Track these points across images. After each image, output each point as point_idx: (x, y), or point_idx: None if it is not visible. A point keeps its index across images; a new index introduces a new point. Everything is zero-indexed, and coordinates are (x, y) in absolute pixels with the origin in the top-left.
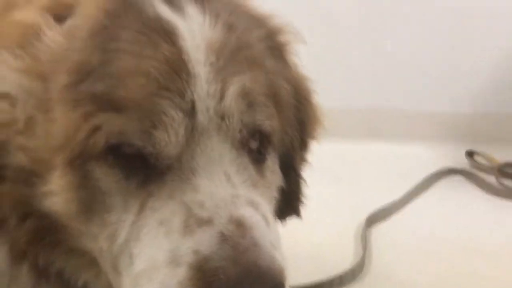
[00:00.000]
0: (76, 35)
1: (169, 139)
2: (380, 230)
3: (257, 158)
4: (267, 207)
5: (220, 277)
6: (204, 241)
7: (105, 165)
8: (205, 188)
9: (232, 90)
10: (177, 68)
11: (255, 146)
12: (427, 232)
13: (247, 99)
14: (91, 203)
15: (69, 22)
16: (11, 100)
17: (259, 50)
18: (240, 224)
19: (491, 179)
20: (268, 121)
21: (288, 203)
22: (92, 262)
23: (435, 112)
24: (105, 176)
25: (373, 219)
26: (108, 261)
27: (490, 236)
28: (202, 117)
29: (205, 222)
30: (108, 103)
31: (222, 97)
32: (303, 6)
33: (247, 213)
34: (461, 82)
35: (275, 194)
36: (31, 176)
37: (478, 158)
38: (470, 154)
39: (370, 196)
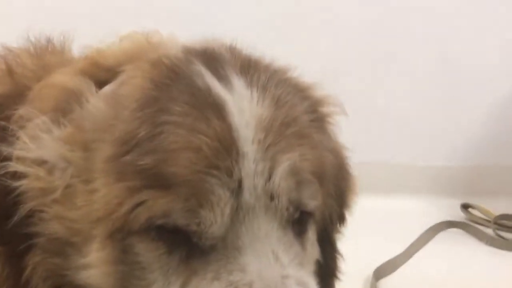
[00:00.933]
0: (123, 105)
1: (214, 219)
2: (387, 284)
3: (299, 230)
4: (315, 286)
5: None
6: None
7: (147, 240)
8: (253, 267)
9: (282, 168)
10: (227, 146)
11: (297, 216)
12: (432, 283)
13: (296, 178)
14: (130, 278)
15: (109, 88)
16: (48, 167)
17: (305, 125)
18: None
19: (488, 230)
20: (313, 200)
21: (323, 279)
22: None
23: (428, 166)
24: (146, 251)
25: (381, 273)
26: None
27: (490, 284)
28: (248, 196)
29: None
30: (154, 179)
31: (270, 176)
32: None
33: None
34: (453, 135)
35: (312, 267)
36: (66, 247)
37: (473, 211)
38: (465, 207)
39: (373, 250)
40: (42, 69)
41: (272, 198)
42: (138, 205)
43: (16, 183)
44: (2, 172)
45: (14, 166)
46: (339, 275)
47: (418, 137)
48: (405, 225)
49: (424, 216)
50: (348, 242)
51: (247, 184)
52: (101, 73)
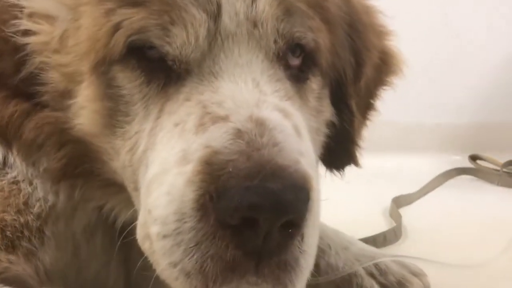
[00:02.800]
0: None
1: (187, 39)
2: (404, 213)
3: (297, 76)
4: (303, 122)
5: (229, 170)
6: (216, 136)
7: (127, 69)
8: (226, 90)
9: None
10: None
11: (295, 63)
12: (447, 215)
13: (284, 4)
14: (115, 114)
15: None
16: (51, 20)
17: None
18: (260, 124)
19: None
20: (311, 33)
21: (342, 145)
22: (130, 199)
23: (436, 123)
24: (127, 82)
25: (398, 203)
26: (130, 180)
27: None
28: (228, 21)
29: (221, 119)
30: None
31: (254, 1)
32: None
33: (272, 115)
34: (459, 93)
35: (322, 127)
36: (65, 99)
37: (481, 162)
38: (473, 158)
39: (388, 192)
40: None
41: (255, 25)
42: (116, 29)
43: (26, 40)
44: (14, 29)
45: (25, 24)
46: (360, 142)
47: (425, 96)
48: (416, 178)
49: (435, 171)
50: (362, 186)
51: (227, 8)
52: None
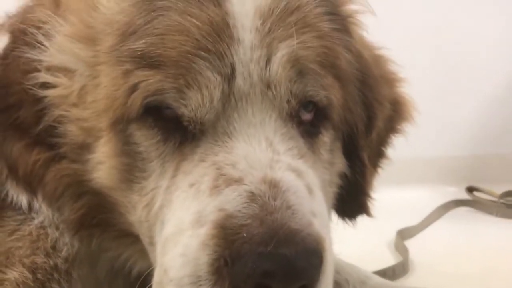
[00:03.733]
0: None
1: (202, 101)
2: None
3: (309, 131)
4: (315, 179)
5: (243, 235)
6: (230, 199)
7: (144, 127)
8: (240, 150)
9: (280, 55)
10: (219, 31)
11: (307, 118)
12: (448, 246)
13: (297, 66)
14: (131, 169)
15: None
16: (69, 74)
17: (313, 14)
18: (274, 185)
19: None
20: (323, 91)
21: (353, 196)
22: (145, 250)
23: (433, 157)
24: (145, 139)
25: (402, 236)
26: (146, 235)
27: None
28: (241, 83)
29: (235, 181)
30: (146, 61)
31: (268, 63)
32: None
33: (285, 176)
34: (454, 127)
35: (335, 178)
36: (83, 151)
37: (478, 194)
38: (470, 190)
39: (389, 228)
40: None
41: (268, 86)
42: (133, 90)
43: (44, 93)
44: (34, 82)
45: (44, 77)
46: (371, 193)
47: (421, 131)
48: (416, 210)
49: (433, 203)
50: (364, 220)
51: (241, 70)
52: None
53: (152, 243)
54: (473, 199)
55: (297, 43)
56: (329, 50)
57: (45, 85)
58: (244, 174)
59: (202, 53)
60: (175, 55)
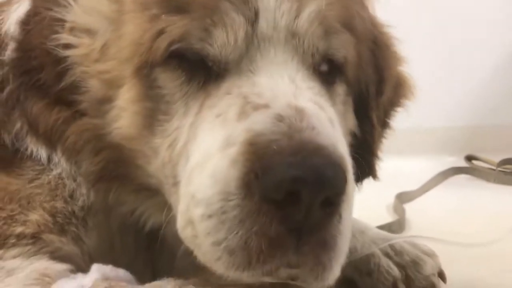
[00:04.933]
0: None
1: (227, 40)
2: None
3: (326, 80)
4: (336, 116)
5: (273, 148)
6: (258, 120)
7: (168, 69)
8: (265, 83)
9: (308, 11)
10: None
11: (324, 69)
12: (447, 211)
13: (323, 24)
14: (154, 113)
15: None
16: (91, 34)
17: None
18: (299, 110)
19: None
20: (343, 49)
21: (362, 156)
22: (161, 205)
23: (432, 127)
24: (169, 81)
25: (400, 199)
26: (170, 176)
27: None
28: (265, 26)
29: (262, 106)
30: (172, 5)
31: (297, 16)
32: None
33: (309, 105)
34: (453, 98)
35: (346, 133)
36: (104, 105)
37: (476, 162)
38: (469, 159)
39: (389, 192)
40: None
41: (293, 36)
42: (159, 34)
43: (66, 53)
44: (56, 43)
45: (66, 38)
46: (380, 155)
47: (421, 102)
48: (415, 178)
49: (432, 171)
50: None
51: (264, 15)
52: None
53: (175, 183)
54: (472, 167)
55: (324, 3)
56: (348, 9)
57: (67, 46)
58: (270, 101)
59: None
60: None
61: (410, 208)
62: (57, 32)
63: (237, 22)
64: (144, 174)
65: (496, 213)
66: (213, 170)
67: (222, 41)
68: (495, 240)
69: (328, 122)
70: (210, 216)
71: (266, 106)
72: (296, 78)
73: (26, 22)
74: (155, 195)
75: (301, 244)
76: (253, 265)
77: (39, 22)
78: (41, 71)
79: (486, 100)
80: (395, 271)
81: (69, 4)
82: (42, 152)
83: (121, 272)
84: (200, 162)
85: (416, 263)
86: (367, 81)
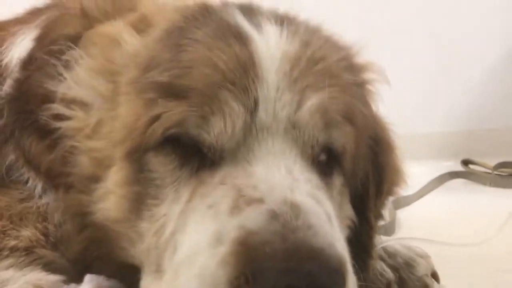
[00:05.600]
0: (150, 36)
1: (225, 128)
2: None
3: (324, 171)
4: (333, 211)
5: (265, 251)
6: (251, 217)
7: (161, 154)
8: (260, 175)
9: (310, 104)
10: (245, 67)
11: (323, 158)
12: (442, 215)
13: (325, 117)
14: (142, 198)
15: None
16: (86, 108)
17: (336, 66)
18: (295, 206)
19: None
20: (343, 139)
21: (356, 255)
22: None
23: (427, 133)
24: (161, 166)
25: (396, 204)
26: (153, 263)
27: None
28: (264, 116)
29: (256, 201)
30: (170, 91)
31: (298, 108)
32: None
33: (305, 200)
34: (448, 104)
35: (344, 225)
36: (91, 183)
37: (472, 167)
38: (465, 163)
39: None
40: (115, 11)
41: (294, 127)
42: (155, 120)
43: (58, 124)
44: (47, 113)
45: (57, 108)
46: (373, 256)
47: (416, 107)
48: (411, 183)
49: (428, 177)
50: None
51: (264, 105)
52: (143, 24)
53: (159, 271)
54: (468, 171)
55: (325, 96)
56: (349, 105)
57: (59, 117)
58: (265, 195)
59: (228, 85)
60: (202, 85)
61: (405, 212)
62: (50, 101)
63: (236, 111)
64: (127, 255)
65: (491, 215)
66: (200, 270)
67: (220, 130)
68: (484, 241)
69: (325, 218)
70: None
71: (260, 200)
72: (294, 169)
73: (28, 63)
74: (137, 273)
75: None
76: None
77: (38, 71)
78: (39, 115)
79: (481, 104)
80: (389, 273)
81: (63, 77)
82: (38, 184)
83: (114, 283)
84: (188, 256)
85: (409, 265)
86: (364, 178)
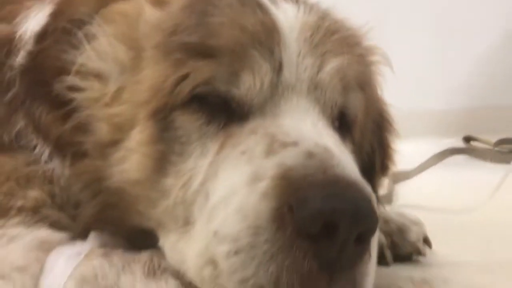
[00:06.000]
0: (173, 6)
1: (254, 84)
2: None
3: (339, 134)
4: (354, 163)
5: (307, 182)
6: (289, 156)
7: (188, 112)
8: (290, 125)
9: (330, 67)
10: (270, 31)
11: (336, 125)
12: (441, 190)
13: (344, 81)
14: (166, 156)
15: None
16: (103, 79)
17: (351, 38)
18: (328, 149)
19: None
20: (356, 106)
21: None
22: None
23: (429, 110)
24: (187, 123)
25: (395, 179)
26: (180, 217)
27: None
28: (288, 76)
29: (291, 144)
30: (199, 51)
31: (320, 70)
32: None
33: (334, 147)
34: (451, 81)
35: None
36: (109, 149)
37: (474, 143)
38: (467, 140)
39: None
40: None
41: (316, 87)
42: (182, 79)
43: (72, 95)
44: (62, 85)
45: (73, 80)
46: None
47: (418, 84)
48: (412, 159)
49: (430, 153)
50: None
51: (288, 66)
52: (166, 2)
53: (187, 224)
54: (469, 147)
55: (344, 61)
56: (363, 72)
57: (74, 88)
58: (298, 139)
59: (256, 45)
60: (231, 45)
61: (405, 185)
62: (67, 72)
63: (264, 69)
64: (142, 219)
65: (486, 186)
66: (240, 205)
67: (249, 85)
68: (474, 208)
69: (352, 165)
70: (237, 252)
71: (295, 144)
72: (318, 124)
73: (42, 37)
74: (147, 238)
75: (333, 282)
76: None
77: (54, 44)
78: (51, 86)
79: (484, 82)
80: (382, 238)
81: (83, 47)
82: (45, 151)
83: (118, 241)
84: (224, 197)
85: (402, 230)
86: (371, 153)
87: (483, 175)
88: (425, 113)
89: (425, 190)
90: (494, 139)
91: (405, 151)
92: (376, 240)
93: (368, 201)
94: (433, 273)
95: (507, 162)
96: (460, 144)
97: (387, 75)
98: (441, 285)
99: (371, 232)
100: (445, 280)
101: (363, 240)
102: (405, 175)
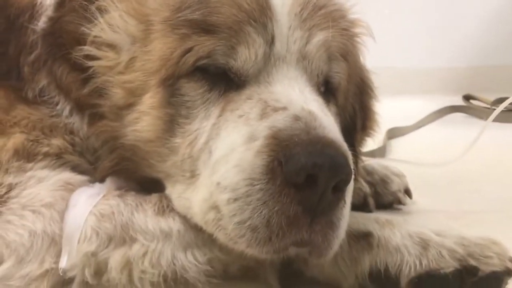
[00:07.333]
0: None
1: (249, 56)
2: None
3: (323, 99)
4: (336, 123)
5: (294, 140)
6: (279, 119)
7: (192, 80)
8: (280, 91)
9: (317, 40)
10: (264, 8)
11: (322, 90)
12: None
13: (328, 51)
14: (175, 118)
15: None
16: (116, 49)
17: (336, 13)
18: (312, 113)
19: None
20: (340, 74)
21: None
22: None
23: (432, 68)
24: (192, 90)
25: (391, 134)
26: (187, 170)
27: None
28: (279, 48)
29: (281, 108)
30: (202, 27)
31: (307, 43)
32: None
33: (318, 110)
34: (453, 40)
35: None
36: (124, 111)
37: (474, 102)
38: (467, 98)
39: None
40: None
41: (304, 58)
42: (187, 51)
43: (89, 63)
44: (79, 54)
45: (89, 50)
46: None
47: (421, 42)
48: (412, 116)
49: (429, 111)
50: None
51: (279, 39)
52: None
53: (193, 176)
54: (467, 106)
55: (329, 34)
56: (345, 44)
57: (90, 57)
58: (287, 104)
59: (251, 21)
60: (229, 22)
61: (402, 140)
62: (83, 43)
63: (258, 43)
64: (153, 171)
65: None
66: (238, 160)
67: (245, 57)
68: (451, 161)
69: (334, 123)
70: (236, 200)
71: (284, 108)
72: (305, 91)
73: (61, 5)
74: (155, 186)
75: (314, 223)
76: (272, 240)
77: (71, 11)
78: (70, 51)
79: (487, 41)
80: (366, 188)
81: (96, 20)
82: (67, 106)
83: (133, 184)
84: (225, 154)
85: (384, 181)
86: (352, 113)
87: (476, 133)
88: (429, 71)
89: (418, 146)
90: (495, 97)
91: (407, 108)
92: (351, 189)
93: (344, 157)
94: (409, 219)
95: (504, 121)
96: (460, 102)
97: (392, 34)
98: (402, 224)
99: (346, 182)
100: (405, 220)
101: (339, 189)
102: (402, 131)
